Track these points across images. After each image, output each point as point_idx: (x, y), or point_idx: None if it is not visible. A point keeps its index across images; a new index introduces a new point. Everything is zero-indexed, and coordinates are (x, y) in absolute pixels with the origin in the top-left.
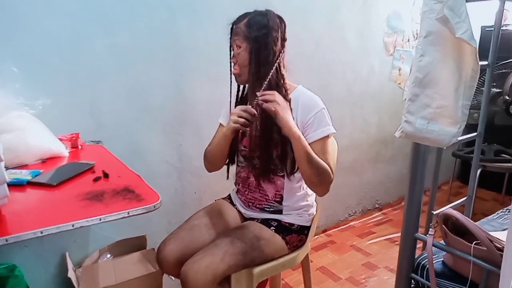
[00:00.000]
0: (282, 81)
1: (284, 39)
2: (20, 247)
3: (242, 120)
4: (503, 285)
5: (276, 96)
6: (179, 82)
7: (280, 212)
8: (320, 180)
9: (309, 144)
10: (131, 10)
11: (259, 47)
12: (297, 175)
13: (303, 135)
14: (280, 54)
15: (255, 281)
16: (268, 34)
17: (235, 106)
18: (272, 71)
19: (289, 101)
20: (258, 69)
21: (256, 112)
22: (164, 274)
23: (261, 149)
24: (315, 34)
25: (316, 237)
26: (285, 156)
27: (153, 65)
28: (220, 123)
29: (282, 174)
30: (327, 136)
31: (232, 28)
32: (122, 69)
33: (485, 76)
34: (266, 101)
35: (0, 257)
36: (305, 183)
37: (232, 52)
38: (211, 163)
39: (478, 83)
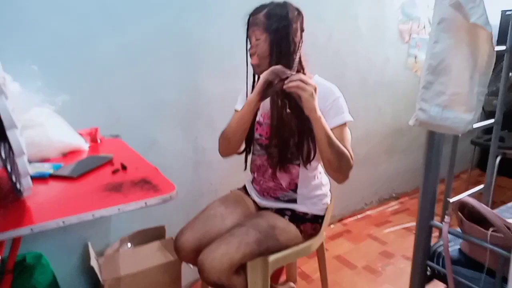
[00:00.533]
0: (302, 71)
1: (302, 30)
2: (45, 237)
3: (276, 75)
4: None
5: (302, 76)
6: (192, 77)
7: (294, 201)
8: (341, 165)
9: None
10: (142, 7)
11: (280, 39)
12: (313, 163)
13: (338, 117)
14: (300, 45)
15: (270, 269)
16: (289, 26)
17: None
18: (295, 61)
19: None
20: (279, 61)
21: (289, 72)
22: (183, 262)
23: (278, 138)
24: (327, 24)
25: (332, 226)
26: (301, 144)
27: (165, 60)
28: (236, 110)
29: (298, 163)
30: (345, 124)
31: (249, 20)
32: (135, 65)
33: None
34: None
35: (27, 246)
36: (325, 169)
37: (248, 43)
38: (230, 143)
39: (498, 69)
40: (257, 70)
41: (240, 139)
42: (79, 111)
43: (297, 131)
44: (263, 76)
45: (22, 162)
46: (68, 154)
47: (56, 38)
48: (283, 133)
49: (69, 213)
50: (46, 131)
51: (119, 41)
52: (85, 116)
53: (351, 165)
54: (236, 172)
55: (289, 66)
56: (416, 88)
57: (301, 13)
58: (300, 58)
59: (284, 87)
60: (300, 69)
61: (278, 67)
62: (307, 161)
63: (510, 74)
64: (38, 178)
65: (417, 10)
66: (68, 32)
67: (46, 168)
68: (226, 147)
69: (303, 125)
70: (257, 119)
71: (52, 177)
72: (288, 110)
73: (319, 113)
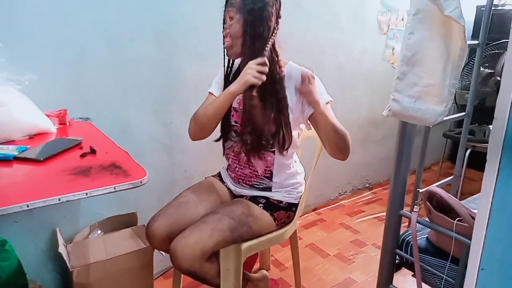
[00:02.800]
0: (276, 58)
1: (279, 16)
2: (9, 222)
3: (263, 76)
4: (473, 253)
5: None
6: (167, 59)
7: (269, 189)
8: (345, 144)
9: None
10: None
11: (254, 20)
12: (289, 151)
13: (304, 104)
14: (275, 31)
15: (243, 256)
16: (263, 9)
17: (225, 81)
18: (268, 45)
19: (283, 77)
20: (253, 43)
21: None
22: (155, 249)
23: (252, 125)
24: (306, 12)
25: (306, 215)
26: (277, 132)
27: (139, 40)
28: (210, 93)
29: (273, 150)
30: (327, 103)
31: (226, 1)
32: (108, 43)
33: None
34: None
35: None
36: (330, 151)
37: (224, 25)
38: (204, 127)
39: (470, 63)
40: (230, 52)
41: (215, 125)
42: (47, 91)
43: (272, 119)
44: (247, 79)
45: None
46: (35, 136)
47: (23, 12)
48: (255, 120)
49: (35, 197)
50: (11, 111)
51: (91, 18)
52: (53, 97)
53: (349, 140)
54: (211, 158)
55: (261, 49)
56: (393, 80)
57: None
58: (274, 44)
59: None
60: (275, 56)
61: (254, 65)
62: (282, 148)
63: (482, 68)
64: (2, 161)
65: (396, 2)
66: (36, 7)
67: (10, 150)
68: (199, 132)
69: (278, 113)
70: (233, 105)
71: (17, 159)
72: (256, 96)
73: (322, 105)
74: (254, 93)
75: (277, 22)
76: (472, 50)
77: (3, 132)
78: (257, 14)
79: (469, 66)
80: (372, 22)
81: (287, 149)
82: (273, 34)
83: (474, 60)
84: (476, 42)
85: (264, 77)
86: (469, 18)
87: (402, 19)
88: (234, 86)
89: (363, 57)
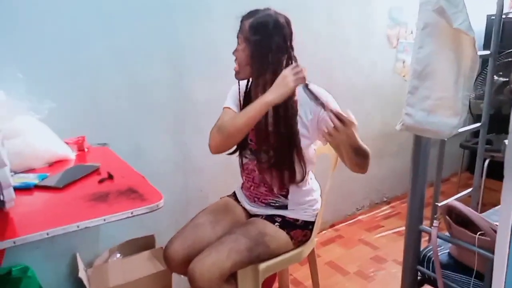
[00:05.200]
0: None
1: (291, 45)
2: (31, 249)
3: (301, 75)
4: (497, 269)
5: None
6: (179, 81)
7: (285, 207)
8: (366, 162)
9: None
10: (129, 11)
11: (260, 52)
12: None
13: (320, 121)
14: (290, 61)
15: (261, 277)
16: (270, 40)
17: (244, 96)
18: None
19: (296, 112)
20: (259, 74)
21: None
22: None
23: (267, 145)
24: (314, 31)
25: (323, 232)
26: (292, 165)
27: (152, 64)
28: (227, 107)
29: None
30: None
31: (241, 22)
32: (122, 69)
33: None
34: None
35: (13, 258)
36: (349, 166)
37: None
38: (231, 137)
39: (484, 72)
40: (237, 76)
41: (242, 137)
42: (66, 119)
43: (292, 140)
44: (287, 83)
45: (3, 174)
46: (54, 164)
47: (39, 42)
48: (269, 141)
49: (54, 225)
50: (31, 140)
51: (104, 45)
52: (71, 124)
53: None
54: (226, 178)
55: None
56: (405, 93)
57: (289, 23)
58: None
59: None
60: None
61: (291, 70)
62: (301, 179)
63: (495, 77)
64: (23, 189)
65: (405, 15)
66: (54, 36)
67: (31, 179)
68: (223, 143)
69: (291, 147)
70: None
71: (38, 187)
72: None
73: (357, 139)
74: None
75: (289, 47)
76: (485, 59)
77: (24, 161)
78: (264, 45)
79: (483, 76)
80: (380, 36)
81: (303, 180)
82: (289, 62)
83: (487, 69)
84: (487, 52)
85: (302, 76)
86: (479, 27)
87: (412, 32)
88: (270, 96)
89: (373, 71)
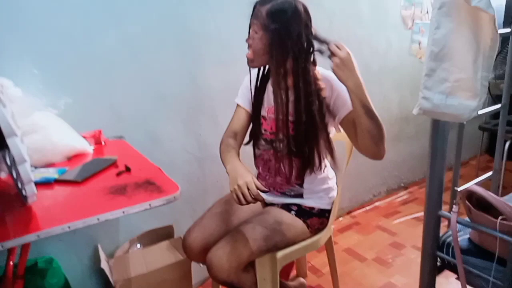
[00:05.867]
0: (315, 81)
1: (310, 27)
2: (54, 241)
3: (242, 199)
4: None
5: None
6: (192, 70)
7: (301, 195)
8: (381, 136)
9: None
10: (140, 1)
11: (280, 41)
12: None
13: (334, 109)
14: (311, 49)
15: (278, 265)
16: (290, 27)
17: (255, 86)
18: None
19: (322, 103)
20: (279, 65)
21: (261, 199)
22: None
23: (283, 133)
24: (327, 11)
25: (340, 219)
26: (311, 151)
27: (165, 54)
28: (238, 104)
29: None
30: None
31: (254, 7)
32: (135, 59)
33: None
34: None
35: (38, 250)
36: (363, 148)
37: (250, 32)
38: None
39: (504, 51)
40: (250, 64)
41: None
42: (82, 113)
43: (304, 130)
44: (231, 186)
45: (24, 170)
46: (73, 158)
47: (53, 37)
48: (287, 130)
49: (75, 218)
50: (50, 135)
51: (117, 35)
52: (88, 118)
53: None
54: None
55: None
56: (421, 75)
57: (307, 10)
58: (307, 67)
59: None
60: (313, 78)
61: (243, 185)
62: (318, 167)
63: None
64: (44, 184)
65: None
66: (67, 30)
67: (51, 173)
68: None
69: (310, 125)
70: (262, 113)
71: (57, 182)
72: (290, 105)
73: (354, 83)
74: (284, 94)
75: (310, 34)
76: (505, 38)
77: (44, 156)
78: (284, 34)
79: (503, 55)
80: (395, 17)
81: (321, 168)
82: (309, 53)
83: (508, 48)
84: (508, 30)
85: (242, 200)
86: (499, 3)
87: (427, 12)
88: (231, 173)
89: (388, 53)
